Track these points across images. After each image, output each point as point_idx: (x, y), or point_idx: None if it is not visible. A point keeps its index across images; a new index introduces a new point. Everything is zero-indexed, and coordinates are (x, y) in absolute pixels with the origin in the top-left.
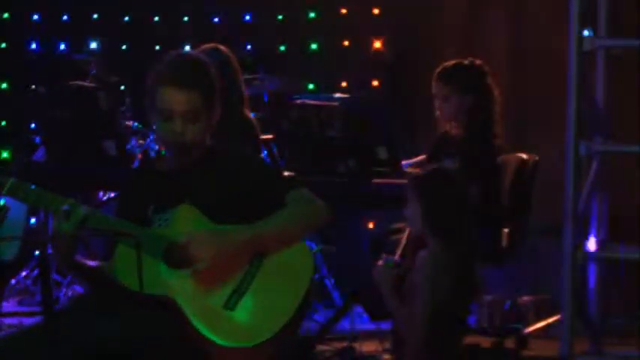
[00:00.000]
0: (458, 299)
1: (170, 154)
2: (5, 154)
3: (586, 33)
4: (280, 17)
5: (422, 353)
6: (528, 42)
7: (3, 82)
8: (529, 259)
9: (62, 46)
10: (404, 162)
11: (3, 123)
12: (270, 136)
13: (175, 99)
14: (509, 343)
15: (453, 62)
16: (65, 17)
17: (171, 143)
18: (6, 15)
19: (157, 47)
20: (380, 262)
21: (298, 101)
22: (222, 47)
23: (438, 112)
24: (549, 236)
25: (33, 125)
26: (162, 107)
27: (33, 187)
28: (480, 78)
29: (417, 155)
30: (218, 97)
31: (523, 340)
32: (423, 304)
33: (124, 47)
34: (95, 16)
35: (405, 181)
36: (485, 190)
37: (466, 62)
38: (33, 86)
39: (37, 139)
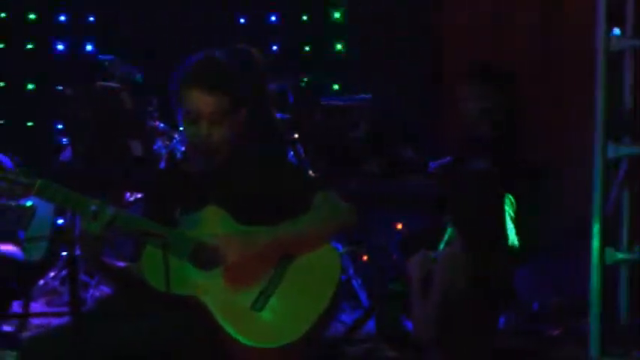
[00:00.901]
0: (474, 301)
1: (197, 156)
2: (31, 156)
3: (616, 32)
4: (305, 18)
5: (434, 352)
6: (560, 43)
7: (30, 83)
8: (557, 260)
9: (88, 47)
10: (430, 163)
11: (29, 124)
12: (295, 137)
13: (201, 101)
14: (537, 345)
15: (481, 62)
16: (91, 18)
17: (198, 145)
18: (33, 16)
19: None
20: (417, 256)
21: (324, 102)
22: (248, 48)
23: (465, 113)
24: (577, 238)
25: (60, 126)
26: (188, 109)
27: (60, 187)
28: (510, 79)
29: (443, 156)
30: (244, 99)
31: (551, 343)
32: (433, 303)
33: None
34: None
35: (431, 181)
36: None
37: (493, 63)
38: (59, 87)
39: (64, 140)
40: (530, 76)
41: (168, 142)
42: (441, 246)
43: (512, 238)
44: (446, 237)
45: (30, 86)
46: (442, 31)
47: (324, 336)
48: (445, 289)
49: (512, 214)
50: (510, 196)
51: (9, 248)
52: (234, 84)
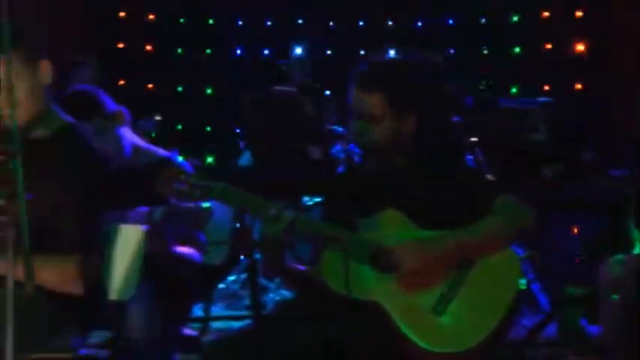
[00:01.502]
0: None
1: (371, 158)
2: (210, 159)
3: None
4: (483, 21)
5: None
6: None
7: (208, 88)
8: None
9: (266, 52)
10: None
11: (208, 128)
12: (474, 140)
13: (358, 99)
14: None
15: None
16: (269, 22)
17: (356, 144)
18: (211, 21)
19: (362, 52)
20: (608, 260)
21: (502, 105)
22: (425, 50)
23: None
24: None
25: (238, 130)
26: (350, 107)
27: (239, 190)
28: None
29: (619, 158)
30: (410, 101)
31: None
32: (622, 306)
33: (328, 52)
34: (300, 21)
35: (611, 183)
36: None
37: None
38: (238, 91)
39: (242, 144)
40: None
41: (346, 146)
42: (637, 249)
43: None
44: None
45: (208, 91)
46: (610, 32)
47: (504, 340)
48: (633, 293)
49: None
50: None
51: (187, 250)
52: (398, 86)
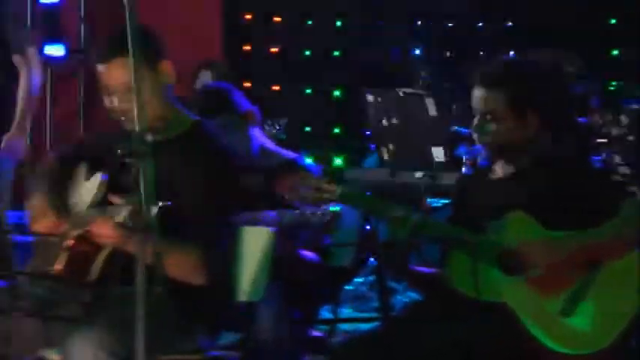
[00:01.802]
0: None
1: (495, 159)
2: (339, 161)
3: None
4: (613, 21)
5: None
6: None
7: (337, 89)
8: None
9: (388, 53)
10: None
11: (336, 130)
12: (601, 142)
13: (480, 97)
14: None
15: None
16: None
17: (479, 142)
18: (339, 23)
19: (481, 53)
20: None
21: (630, 106)
22: (556, 51)
23: None
24: None
25: (367, 132)
26: (473, 106)
27: (364, 194)
28: None
29: None
30: (535, 100)
31: None
32: None
33: (448, 54)
34: (419, 22)
35: None
36: None
37: None
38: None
39: (371, 146)
40: None
41: (470, 147)
42: None
43: None
44: None
45: (337, 92)
46: None
47: (631, 342)
48: None
49: None
50: None
51: (312, 254)
52: (518, 84)
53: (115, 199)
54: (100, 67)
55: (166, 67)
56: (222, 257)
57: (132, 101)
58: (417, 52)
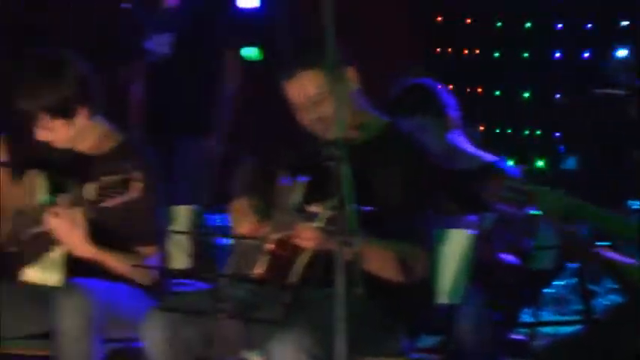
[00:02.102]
0: None
1: None
2: (541, 163)
3: None
4: None
5: None
6: None
7: (526, 92)
8: None
9: (586, 54)
10: None
11: (526, 132)
12: None
13: None
14: None
15: None
16: (589, 25)
17: None
18: (528, 24)
19: None
20: None
21: None
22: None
23: None
24: None
25: (557, 134)
26: None
27: (562, 196)
28: None
29: None
30: None
31: None
32: None
33: None
34: (624, 23)
35: None
36: None
37: None
38: (556, 95)
39: (562, 149)
40: None
41: None
42: None
43: None
44: None
45: (526, 94)
46: None
47: None
48: None
49: None
50: None
51: (512, 258)
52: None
53: (314, 206)
54: (288, 83)
55: (351, 74)
56: (424, 256)
57: (322, 113)
58: (622, 52)
